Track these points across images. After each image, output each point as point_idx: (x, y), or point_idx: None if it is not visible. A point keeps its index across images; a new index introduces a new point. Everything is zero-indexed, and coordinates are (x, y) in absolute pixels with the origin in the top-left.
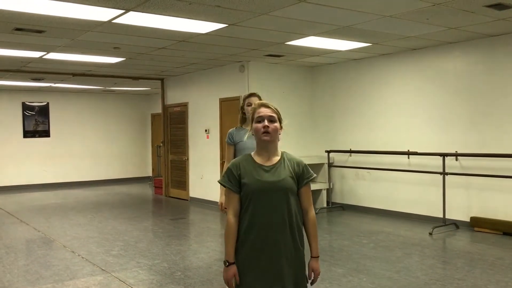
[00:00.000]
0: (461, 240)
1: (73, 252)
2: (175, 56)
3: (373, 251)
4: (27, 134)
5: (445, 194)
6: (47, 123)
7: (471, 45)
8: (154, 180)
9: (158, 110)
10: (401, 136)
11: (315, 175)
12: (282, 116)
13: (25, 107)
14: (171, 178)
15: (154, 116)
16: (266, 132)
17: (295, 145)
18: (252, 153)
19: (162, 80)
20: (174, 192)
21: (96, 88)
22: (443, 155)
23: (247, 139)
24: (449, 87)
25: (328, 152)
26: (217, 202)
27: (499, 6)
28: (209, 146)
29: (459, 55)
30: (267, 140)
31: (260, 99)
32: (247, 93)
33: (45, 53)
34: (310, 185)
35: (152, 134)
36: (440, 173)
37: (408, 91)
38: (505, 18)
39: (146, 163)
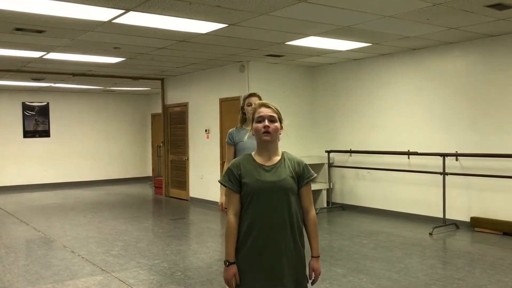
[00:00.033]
0: (461, 240)
1: (73, 252)
2: (175, 56)
3: (373, 251)
4: (27, 134)
5: (445, 194)
6: (47, 123)
7: (471, 45)
8: (154, 180)
9: (158, 110)
10: (401, 136)
11: (315, 175)
12: (283, 116)
13: (25, 107)
14: (171, 178)
15: (154, 116)
16: (267, 132)
17: (295, 145)
18: (253, 153)
19: (162, 80)
20: (174, 192)
21: (96, 88)
22: (443, 155)
23: (247, 139)
24: (449, 87)
25: (328, 152)
26: (217, 202)
27: (499, 6)
28: (209, 146)
29: (459, 55)
30: (267, 140)
31: (260, 99)
32: (247, 93)
33: (45, 53)
34: (310, 185)
35: (152, 134)
36: (440, 173)
37: (408, 91)
38: (505, 18)
39: (146, 163)
